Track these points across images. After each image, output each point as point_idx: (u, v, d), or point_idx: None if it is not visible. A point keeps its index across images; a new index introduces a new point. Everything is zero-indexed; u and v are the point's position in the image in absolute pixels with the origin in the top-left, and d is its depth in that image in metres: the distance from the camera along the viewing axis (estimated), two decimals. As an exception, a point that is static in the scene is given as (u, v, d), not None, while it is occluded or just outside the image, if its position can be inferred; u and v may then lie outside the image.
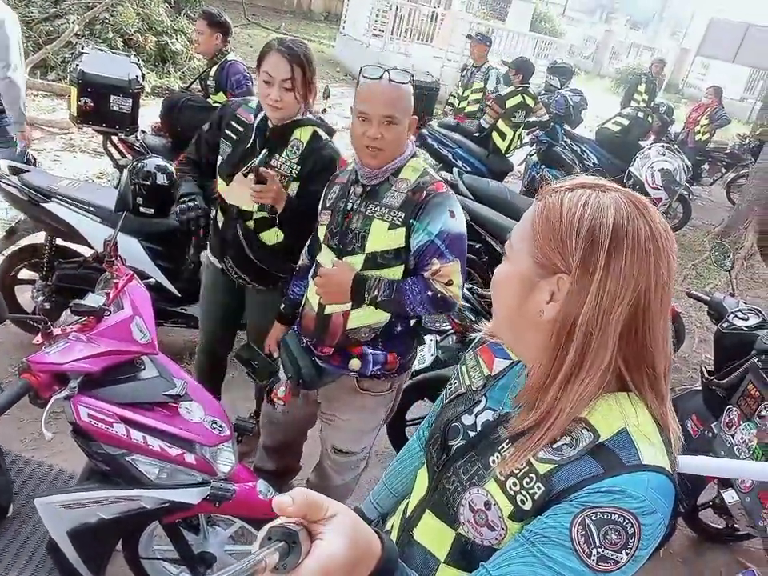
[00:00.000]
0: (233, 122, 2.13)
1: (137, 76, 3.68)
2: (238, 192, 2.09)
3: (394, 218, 1.71)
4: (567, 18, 26.84)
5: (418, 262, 1.73)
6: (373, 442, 2.13)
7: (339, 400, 1.97)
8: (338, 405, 1.98)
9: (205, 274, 2.48)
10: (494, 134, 5.56)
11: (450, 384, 1.07)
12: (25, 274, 3.07)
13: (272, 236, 2.24)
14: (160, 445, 1.55)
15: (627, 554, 0.73)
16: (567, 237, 0.78)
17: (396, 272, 1.76)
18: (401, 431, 2.79)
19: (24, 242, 3.05)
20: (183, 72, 8.51)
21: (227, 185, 2.13)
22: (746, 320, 2.39)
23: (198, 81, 4.10)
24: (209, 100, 3.81)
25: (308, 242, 2.05)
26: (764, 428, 2.01)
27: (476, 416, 0.95)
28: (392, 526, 1.09)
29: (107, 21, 8.17)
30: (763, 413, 2.02)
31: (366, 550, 0.61)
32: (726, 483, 2.39)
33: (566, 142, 6.23)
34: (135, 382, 1.58)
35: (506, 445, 0.86)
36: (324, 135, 2.17)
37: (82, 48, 3.94)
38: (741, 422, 2.15)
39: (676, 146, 6.03)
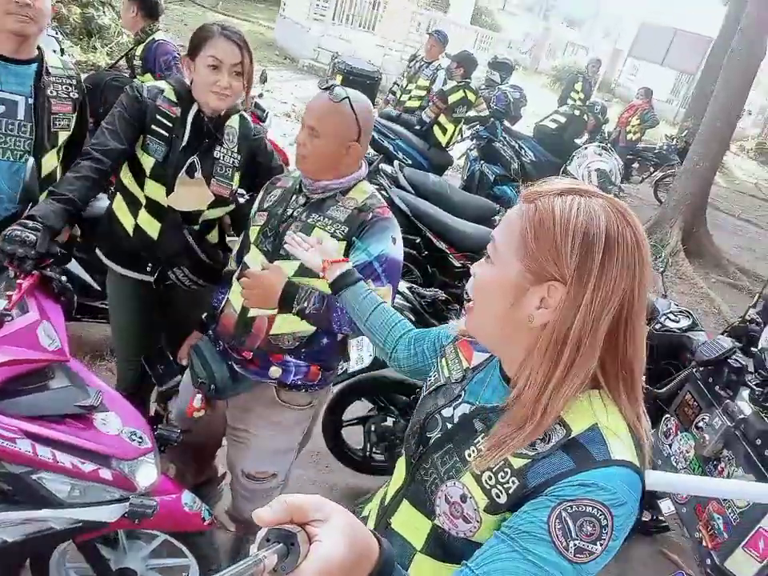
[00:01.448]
0: (158, 117, 1.91)
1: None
2: (186, 195, 1.94)
3: (337, 230, 1.66)
4: (506, 13, 27.21)
5: None
6: (288, 469, 2.00)
7: (253, 411, 1.85)
8: (252, 418, 1.86)
9: (114, 291, 2.18)
10: (435, 128, 5.53)
11: (430, 376, 1.09)
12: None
13: (214, 235, 2.12)
14: (71, 461, 1.41)
15: (601, 544, 0.76)
16: (562, 245, 0.79)
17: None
18: (337, 432, 2.72)
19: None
20: (111, 48, 8.03)
21: (168, 190, 1.93)
22: (677, 322, 2.45)
23: (124, 59, 3.85)
24: (134, 81, 3.58)
25: (236, 248, 1.95)
26: (701, 440, 2.03)
27: (454, 409, 0.97)
28: (369, 513, 1.10)
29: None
30: (700, 424, 2.05)
31: (363, 551, 0.61)
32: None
33: (504, 138, 6.28)
34: (43, 392, 1.43)
35: (481, 438, 0.89)
36: (248, 118, 2.09)
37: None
38: (678, 432, 2.18)
39: (610, 146, 6.21)
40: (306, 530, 0.57)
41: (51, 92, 1.98)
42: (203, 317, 1.99)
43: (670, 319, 2.47)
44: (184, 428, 1.80)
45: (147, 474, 1.57)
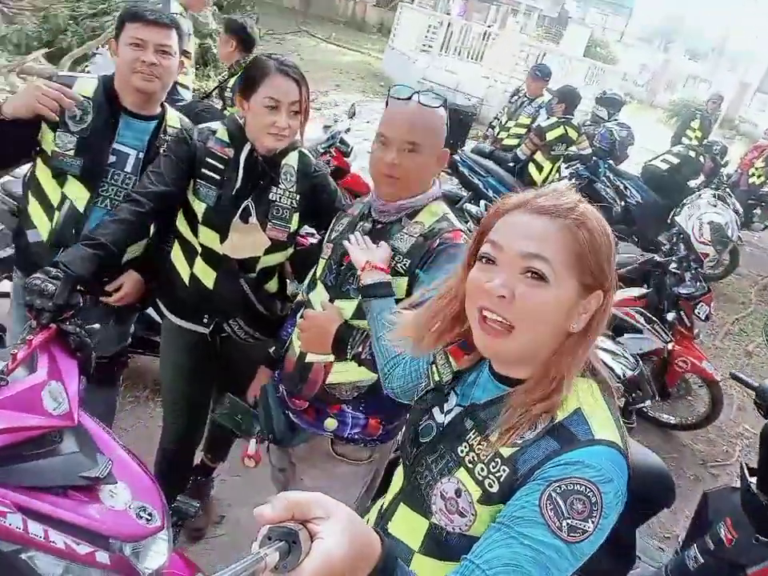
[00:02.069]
0: (209, 159, 1.80)
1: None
2: (241, 241, 1.82)
3: (398, 264, 1.49)
4: (624, 45, 26.27)
5: None
6: None
7: (309, 462, 1.72)
8: (308, 468, 1.72)
9: (168, 342, 2.06)
10: (531, 166, 5.24)
11: (420, 382, 1.13)
12: (6, 286, 2.87)
13: (273, 284, 1.99)
14: (65, 541, 1.28)
15: (593, 522, 0.77)
16: (609, 256, 0.87)
17: None
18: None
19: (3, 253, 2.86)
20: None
21: (222, 237, 1.82)
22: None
23: (218, 90, 3.91)
24: (225, 112, 3.61)
25: (309, 277, 1.80)
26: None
27: (446, 414, 1.00)
28: (367, 522, 1.07)
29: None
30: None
31: (365, 548, 0.62)
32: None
33: (608, 177, 5.86)
34: (45, 459, 1.32)
35: (473, 434, 0.93)
36: (308, 154, 1.95)
37: (97, 48, 3.78)
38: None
39: (728, 191, 5.61)
40: (307, 527, 0.57)
41: (163, 151, 1.95)
42: (271, 351, 1.87)
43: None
44: None
45: (155, 555, 1.43)
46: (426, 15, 12.98)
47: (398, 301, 1.45)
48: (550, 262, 0.83)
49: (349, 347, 1.46)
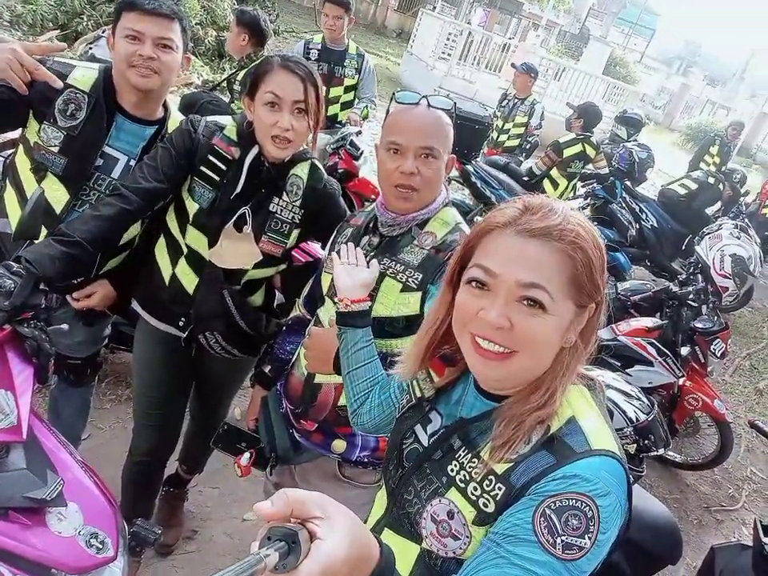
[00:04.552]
0: (210, 157, 1.64)
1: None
2: (231, 251, 1.66)
3: (410, 279, 1.38)
4: (643, 66, 26.17)
5: None
6: None
7: (313, 484, 1.59)
8: (311, 490, 1.55)
9: (142, 342, 1.89)
10: (546, 182, 5.07)
11: (401, 399, 1.09)
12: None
13: (259, 297, 1.84)
14: (1, 571, 1.13)
15: (590, 538, 0.74)
16: (602, 267, 0.84)
17: (404, 344, 1.33)
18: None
19: None
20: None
21: (211, 242, 1.66)
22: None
23: (225, 82, 3.78)
24: (232, 105, 3.47)
25: (305, 291, 1.68)
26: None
27: (430, 435, 0.96)
28: None
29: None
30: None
31: (364, 551, 0.61)
32: None
33: (624, 198, 5.68)
34: (-15, 477, 1.17)
35: (463, 452, 0.89)
36: (321, 168, 1.78)
37: (103, 31, 3.63)
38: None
39: (746, 222, 5.43)
40: (307, 527, 0.57)
41: (163, 143, 1.73)
42: (267, 370, 1.74)
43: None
44: None
45: (104, 589, 1.26)
46: (446, 23, 12.85)
47: (411, 317, 1.36)
48: (548, 290, 0.81)
49: None
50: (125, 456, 2.03)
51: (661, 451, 2.06)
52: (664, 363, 3.15)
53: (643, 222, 5.95)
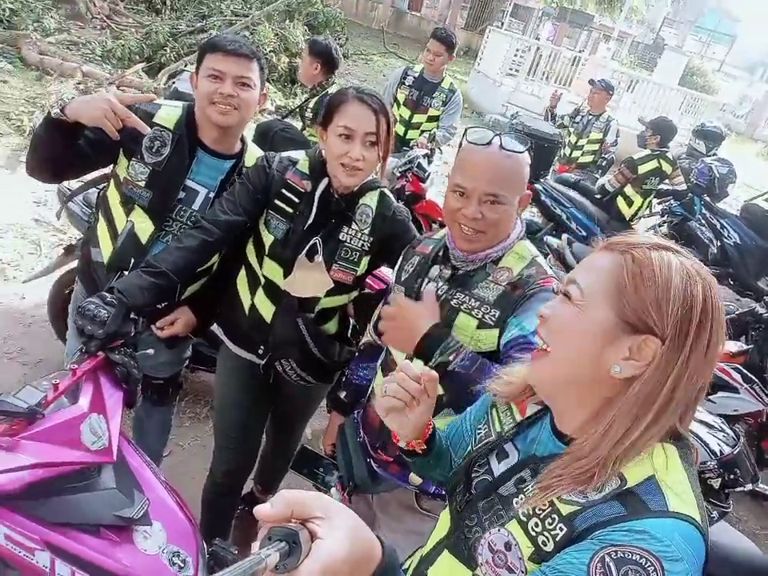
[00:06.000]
0: (284, 191, 1.72)
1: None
2: (304, 280, 1.73)
3: (486, 316, 1.35)
4: (723, 74, 25.04)
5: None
6: None
7: (391, 514, 1.60)
8: (390, 521, 1.61)
9: (223, 368, 1.97)
10: (619, 199, 4.93)
11: (480, 429, 1.05)
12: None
13: (333, 325, 1.88)
14: (92, 586, 1.20)
15: None
16: (663, 300, 0.78)
17: None
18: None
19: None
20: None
21: (286, 272, 1.73)
22: None
23: (298, 111, 3.90)
24: (304, 132, 3.58)
25: (375, 316, 1.70)
26: None
27: (504, 466, 0.95)
28: (410, 566, 1.07)
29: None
30: None
31: (366, 552, 0.61)
32: None
33: (704, 215, 5.44)
34: (80, 495, 1.24)
35: (531, 486, 0.86)
36: (391, 196, 1.81)
37: (185, 65, 3.84)
38: None
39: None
40: (307, 527, 0.56)
41: (240, 179, 1.84)
42: (342, 396, 1.79)
43: None
44: None
45: (184, 606, 1.32)
46: (514, 39, 12.78)
47: (486, 352, 1.32)
48: (580, 285, 0.83)
49: (438, 351, 1.28)
50: (203, 473, 2.12)
51: (748, 487, 1.94)
52: (751, 390, 2.98)
53: (725, 239, 5.66)
